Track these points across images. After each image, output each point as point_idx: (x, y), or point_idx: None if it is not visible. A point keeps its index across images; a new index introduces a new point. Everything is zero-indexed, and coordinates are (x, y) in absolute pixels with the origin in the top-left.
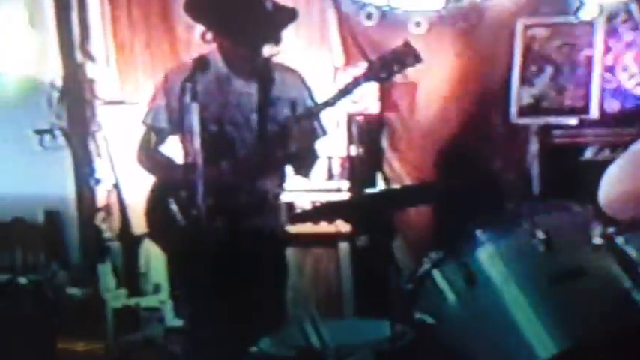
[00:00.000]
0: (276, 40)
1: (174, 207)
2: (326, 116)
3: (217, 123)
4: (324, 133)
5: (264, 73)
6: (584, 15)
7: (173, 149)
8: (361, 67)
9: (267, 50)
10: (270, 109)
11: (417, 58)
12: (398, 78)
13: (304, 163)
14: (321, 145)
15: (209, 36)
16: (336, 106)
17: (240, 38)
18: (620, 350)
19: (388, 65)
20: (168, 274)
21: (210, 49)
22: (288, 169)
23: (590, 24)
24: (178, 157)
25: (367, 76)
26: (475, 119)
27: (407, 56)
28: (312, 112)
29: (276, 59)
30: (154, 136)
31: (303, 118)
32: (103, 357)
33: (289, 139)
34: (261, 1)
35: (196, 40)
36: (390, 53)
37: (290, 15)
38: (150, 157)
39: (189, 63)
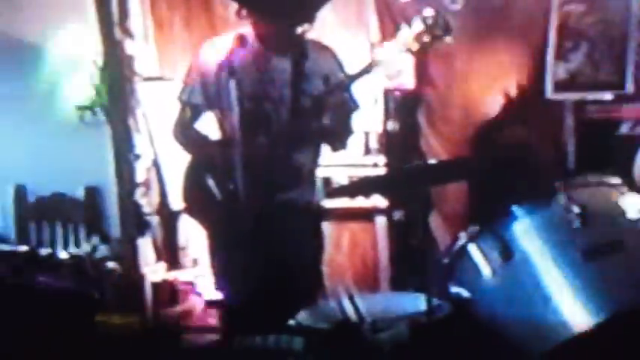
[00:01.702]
0: (310, 19)
1: (210, 182)
2: (358, 89)
3: (253, 98)
4: (356, 106)
5: (297, 50)
6: None
7: (208, 126)
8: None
9: (300, 28)
10: (303, 84)
11: (447, 29)
12: (433, 53)
13: (338, 137)
14: (355, 120)
15: (244, 13)
16: (366, 78)
17: (275, 16)
18: None
19: (418, 36)
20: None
21: (247, 26)
22: (324, 144)
23: None
24: (214, 134)
25: (397, 48)
26: (511, 95)
27: (436, 27)
28: (343, 84)
29: (309, 36)
30: (189, 113)
31: (334, 89)
32: (139, 330)
33: (323, 112)
34: None
35: (234, 18)
36: (419, 26)
37: None
38: (185, 133)
39: (225, 40)
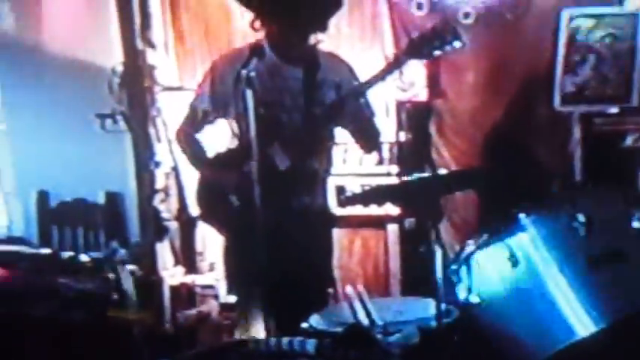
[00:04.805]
0: (322, 28)
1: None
2: (373, 98)
3: (267, 107)
4: (372, 113)
5: (310, 59)
6: (629, 6)
7: (212, 139)
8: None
9: (313, 38)
10: (316, 92)
11: (456, 36)
12: (445, 65)
13: (365, 141)
14: (378, 123)
15: (258, 24)
16: (380, 85)
17: (287, 26)
18: None
19: (428, 42)
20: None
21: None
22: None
23: (634, 15)
24: (216, 148)
25: (408, 54)
26: (520, 107)
27: (446, 33)
28: (358, 92)
29: (320, 46)
30: (195, 117)
31: (349, 97)
32: (152, 326)
33: (336, 120)
34: None
35: (251, 30)
36: (429, 31)
37: (336, 3)
38: (188, 138)
39: (238, 50)
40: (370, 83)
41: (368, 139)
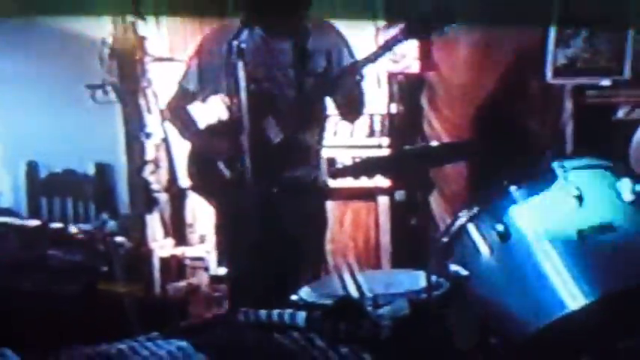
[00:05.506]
0: (305, 6)
1: (220, 162)
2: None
3: (258, 81)
4: (363, 88)
5: (298, 30)
6: None
7: (201, 112)
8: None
9: (297, 15)
10: (306, 63)
11: (452, 16)
12: (437, 38)
13: (352, 111)
14: (365, 90)
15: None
16: (376, 63)
17: (267, 8)
18: None
19: (426, 24)
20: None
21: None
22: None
23: None
24: (207, 120)
25: (406, 35)
26: (512, 79)
27: (444, 16)
28: (354, 69)
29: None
30: (185, 97)
31: (344, 75)
32: (142, 298)
33: (327, 90)
34: None
35: None
36: (427, 13)
37: None
38: (178, 112)
39: (229, 23)
40: (366, 61)
41: (353, 110)
